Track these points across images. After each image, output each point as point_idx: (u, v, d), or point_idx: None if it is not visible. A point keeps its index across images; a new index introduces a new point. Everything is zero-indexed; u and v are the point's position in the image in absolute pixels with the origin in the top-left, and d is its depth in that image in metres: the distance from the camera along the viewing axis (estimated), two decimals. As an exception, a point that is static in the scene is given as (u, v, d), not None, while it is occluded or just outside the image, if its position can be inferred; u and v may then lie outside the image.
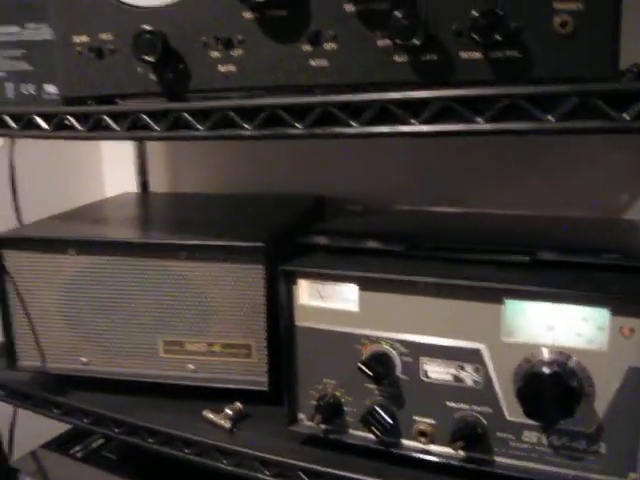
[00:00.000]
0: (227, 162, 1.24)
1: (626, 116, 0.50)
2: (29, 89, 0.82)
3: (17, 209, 1.05)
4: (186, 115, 0.67)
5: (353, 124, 0.59)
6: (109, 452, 1.00)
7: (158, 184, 1.31)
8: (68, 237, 0.84)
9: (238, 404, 0.81)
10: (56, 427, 1.08)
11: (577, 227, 0.86)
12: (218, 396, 0.83)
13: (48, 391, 0.90)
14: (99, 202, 1.15)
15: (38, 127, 0.77)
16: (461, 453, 0.65)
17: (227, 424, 0.78)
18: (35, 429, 1.05)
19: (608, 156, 0.93)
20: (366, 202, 1.10)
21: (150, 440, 0.81)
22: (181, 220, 0.97)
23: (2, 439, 0.92)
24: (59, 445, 1.03)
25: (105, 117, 0.71)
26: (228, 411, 0.80)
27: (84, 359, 0.87)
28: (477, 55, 0.56)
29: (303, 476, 0.72)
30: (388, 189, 1.09)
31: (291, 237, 0.82)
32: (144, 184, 1.29)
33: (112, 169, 1.38)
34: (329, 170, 1.13)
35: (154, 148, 1.30)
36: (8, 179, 1.03)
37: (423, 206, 1.06)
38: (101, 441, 1.04)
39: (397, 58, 0.59)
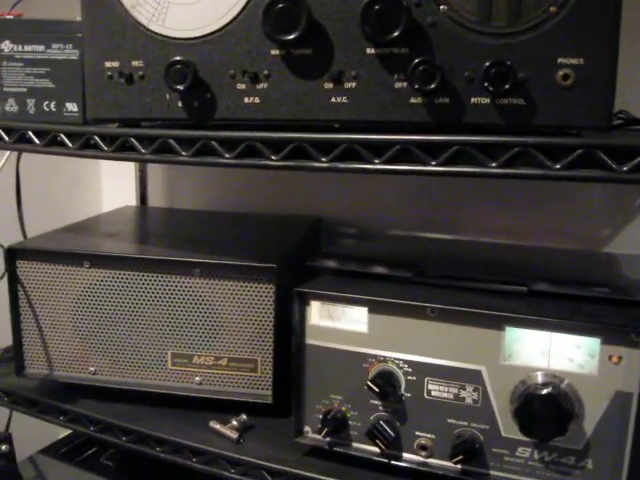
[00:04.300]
0: (224, 180, 1.27)
1: (624, 168, 0.57)
2: (50, 106, 0.86)
3: (22, 221, 1.07)
4: (213, 143, 0.71)
5: (376, 161, 0.64)
6: (107, 459, 1.03)
7: (155, 199, 1.34)
8: (84, 251, 0.87)
9: (244, 416, 0.84)
10: (48, 435, 1.11)
11: (565, 259, 0.93)
12: (223, 408, 0.87)
13: (54, 398, 0.92)
14: (105, 215, 1.18)
15: (62, 144, 0.80)
16: (459, 466, 0.71)
17: (234, 434, 0.81)
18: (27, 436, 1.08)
19: (592, 194, 1.00)
20: (361, 226, 1.15)
21: (158, 449, 0.83)
22: (190, 237, 1.01)
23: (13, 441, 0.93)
24: (56, 451, 1.05)
25: (132, 139, 0.75)
26: (234, 422, 0.83)
27: (92, 368, 0.90)
28: (486, 101, 0.62)
29: (308, 486, 0.75)
30: (383, 214, 1.14)
31: (297, 258, 0.87)
32: (143, 198, 1.32)
33: (111, 183, 1.41)
34: (326, 192, 1.18)
35: (153, 164, 1.33)
36: (14, 191, 1.06)
37: (416, 232, 1.11)
38: (96, 448, 1.06)
39: (412, 100, 0.64)
